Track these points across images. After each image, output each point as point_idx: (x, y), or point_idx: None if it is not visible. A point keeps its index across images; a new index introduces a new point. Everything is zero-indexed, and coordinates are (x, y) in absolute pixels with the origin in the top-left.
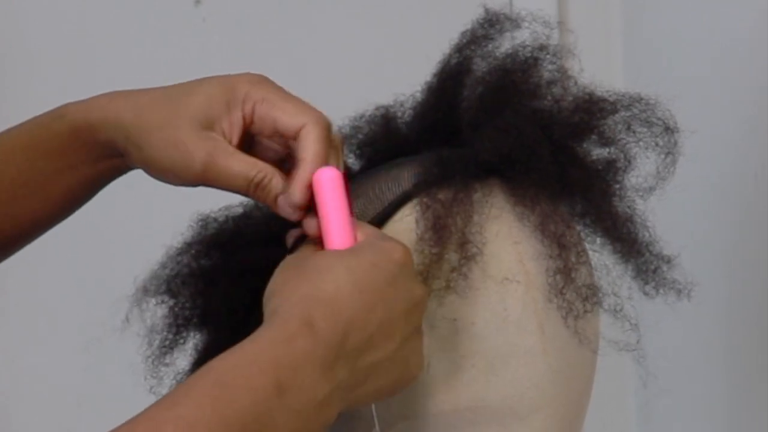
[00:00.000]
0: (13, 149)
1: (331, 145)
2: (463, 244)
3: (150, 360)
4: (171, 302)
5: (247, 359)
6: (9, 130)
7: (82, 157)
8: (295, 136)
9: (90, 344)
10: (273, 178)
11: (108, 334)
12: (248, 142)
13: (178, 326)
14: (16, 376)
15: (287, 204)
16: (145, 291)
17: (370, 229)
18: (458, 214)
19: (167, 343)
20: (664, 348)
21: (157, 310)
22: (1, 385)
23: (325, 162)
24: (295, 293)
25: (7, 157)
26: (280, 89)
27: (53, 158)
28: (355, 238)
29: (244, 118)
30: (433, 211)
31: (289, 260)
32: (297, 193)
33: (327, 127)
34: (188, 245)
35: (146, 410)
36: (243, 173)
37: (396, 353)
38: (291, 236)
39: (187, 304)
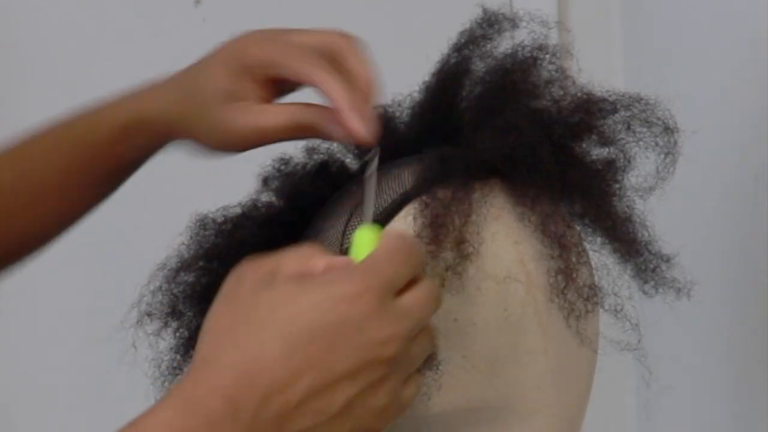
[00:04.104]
0: (59, 142)
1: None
2: (460, 243)
3: (160, 382)
4: (176, 324)
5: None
6: (50, 129)
7: (132, 146)
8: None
9: (90, 344)
10: (309, 113)
11: (108, 334)
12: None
13: (186, 347)
14: (16, 376)
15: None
16: (148, 314)
17: (340, 262)
18: (456, 213)
19: (175, 364)
20: (664, 347)
21: (157, 315)
22: (1, 385)
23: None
24: (224, 357)
25: (50, 154)
26: (276, 41)
27: (104, 148)
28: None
29: (265, 79)
30: (432, 209)
31: (234, 288)
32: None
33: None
34: (187, 263)
35: None
36: (279, 125)
37: (342, 413)
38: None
39: (193, 323)
